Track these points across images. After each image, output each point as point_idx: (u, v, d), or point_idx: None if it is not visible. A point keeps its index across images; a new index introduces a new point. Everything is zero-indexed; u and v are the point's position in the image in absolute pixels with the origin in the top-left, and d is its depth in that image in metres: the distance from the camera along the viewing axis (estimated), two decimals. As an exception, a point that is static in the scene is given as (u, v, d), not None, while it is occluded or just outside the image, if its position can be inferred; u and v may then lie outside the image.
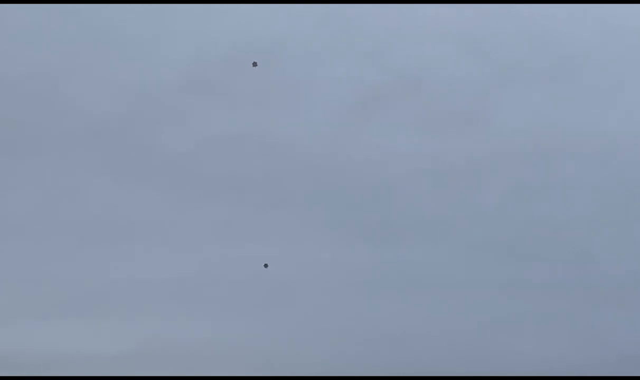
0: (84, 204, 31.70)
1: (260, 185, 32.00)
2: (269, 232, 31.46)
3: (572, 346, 30.55)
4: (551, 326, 31.16)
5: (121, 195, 31.91)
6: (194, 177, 32.19)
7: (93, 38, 31.95)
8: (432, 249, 32.01)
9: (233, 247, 31.15)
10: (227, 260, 31.01)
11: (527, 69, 33.28)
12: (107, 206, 31.76)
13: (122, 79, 31.97)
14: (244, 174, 32.03)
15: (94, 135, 32.09)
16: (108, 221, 31.54)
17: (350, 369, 29.57)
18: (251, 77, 31.55)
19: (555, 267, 31.84)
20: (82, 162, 32.01)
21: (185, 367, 29.47)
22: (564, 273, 31.77)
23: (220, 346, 30.22)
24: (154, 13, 31.91)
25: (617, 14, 32.88)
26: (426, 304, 31.14)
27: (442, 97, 33.13)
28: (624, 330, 30.87)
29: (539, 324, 31.19)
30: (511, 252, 32.11)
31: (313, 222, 32.10)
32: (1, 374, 28.66)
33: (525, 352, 30.55)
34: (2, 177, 31.42)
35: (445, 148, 32.92)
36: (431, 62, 33.02)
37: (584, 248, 31.98)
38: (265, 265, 30.07)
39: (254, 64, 30.31)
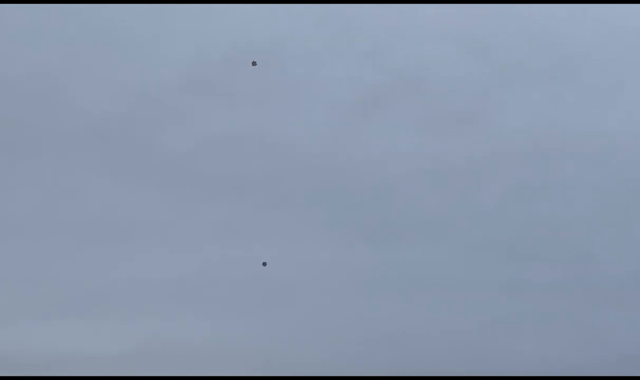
0: (84, 204, 31.69)
1: (260, 185, 31.99)
2: (269, 232, 31.45)
3: (572, 346, 30.56)
4: (551, 326, 31.16)
5: (121, 195, 31.91)
6: (194, 177, 32.19)
7: (93, 38, 31.94)
8: (432, 249, 32.01)
9: (233, 247, 31.15)
10: (227, 260, 31.01)
11: (527, 69, 33.26)
12: (107, 206, 31.75)
13: (122, 79, 31.96)
14: (244, 174, 32.02)
15: (94, 135, 32.08)
16: (108, 221, 31.53)
17: (350, 369, 29.58)
18: (251, 77, 31.55)
19: (555, 267, 31.83)
20: (82, 162, 32.01)
21: (185, 367, 29.47)
22: (564, 273, 31.76)
23: (220, 346, 30.22)
24: (154, 13, 31.90)
25: (617, 14, 32.86)
26: (426, 304, 31.15)
27: (442, 97, 33.12)
28: (624, 330, 30.86)
29: (539, 324, 31.19)
30: (511, 252, 32.10)
31: (313, 222, 32.10)
32: (1, 374, 28.65)
33: (525, 352, 30.55)
34: (2, 177, 31.42)
35: (445, 148, 32.91)
36: (431, 62, 33.01)
37: (584, 248, 31.97)
38: (264, 264, 30.07)
39: (254, 63, 30.30)
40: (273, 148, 32.21)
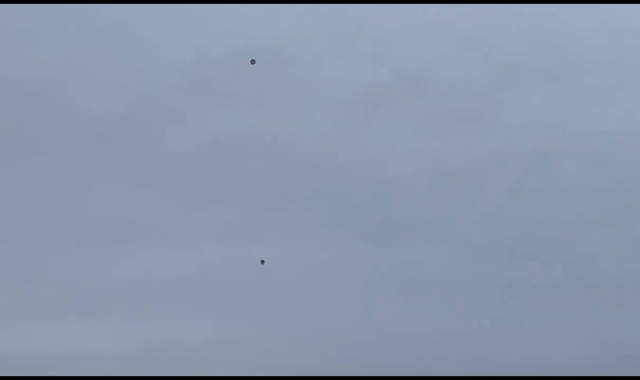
0: (84, 204, 31.72)
1: (261, 185, 32.01)
2: (269, 232, 31.46)
3: (572, 346, 30.56)
4: (551, 326, 31.16)
5: (121, 196, 31.95)
6: (195, 178, 32.22)
7: (93, 38, 31.97)
8: (432, 249, 32.02)
9: (233, 247, 31.16)
10: (227, 260, 31.02)
11: (527, 69, 33.29)
12: (107, 206, 31.79)
13: (122, 79, 31.99)
14: (245, 174, 32.04)
15: (95, 136, 32.13)
16: (108, 221, 31.57)
17: (350, 369, 29.58)
18: (251, 77, 31.55)
19: (555, 268, 31.84)
20: (82, 162, 32.05)
21: (185, 367, 29.48)
22: (564, 273, 31.77)
23: (220, 346, 30.24)
24: (154, 13, 31.93)
25: (617, 14, 32.88)
26: (426, 304, 31.15)
27: (443, 98, 33.14)
28: (624, 330, 30.87)
29: (539, 324, 31.19)
30: (511, 253, 32.12)
31: (313, 222, 32.12)
32: (1, 374, 28.68)
33: (525, 352, 30.55)
34: (2, 177, 31.45)
35: (445, 148, 32.93)
36: (432, 63, 33.04)
37: (584, 248, 31.97)
38: (262, 261, 30.04)
39: (252, 62, 30.27)
40: (273, 148, 32.23)
